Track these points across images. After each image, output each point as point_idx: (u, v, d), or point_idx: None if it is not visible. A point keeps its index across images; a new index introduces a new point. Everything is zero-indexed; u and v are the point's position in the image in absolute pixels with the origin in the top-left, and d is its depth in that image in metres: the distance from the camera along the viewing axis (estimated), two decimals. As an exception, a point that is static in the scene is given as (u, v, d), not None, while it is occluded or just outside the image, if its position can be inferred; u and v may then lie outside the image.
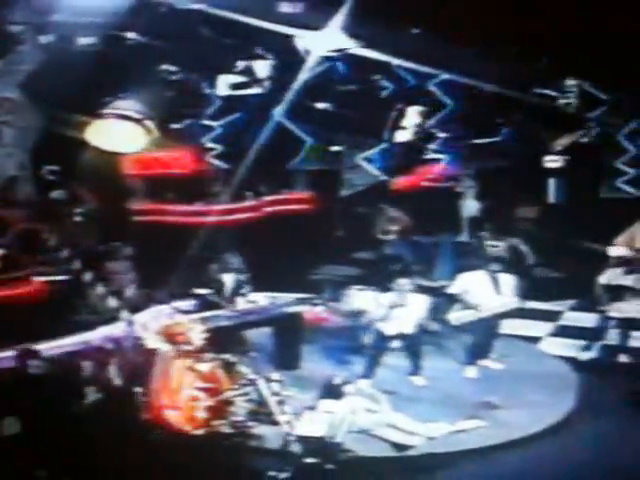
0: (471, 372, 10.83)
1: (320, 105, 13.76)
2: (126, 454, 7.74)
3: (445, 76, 13.24)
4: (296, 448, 7.72)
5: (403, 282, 10.34)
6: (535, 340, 12.32)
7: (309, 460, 7.48)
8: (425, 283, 12.17)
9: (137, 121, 12.12)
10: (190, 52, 12.38)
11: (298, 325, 11.15)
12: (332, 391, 8.40)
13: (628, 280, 10.95)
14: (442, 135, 14.05)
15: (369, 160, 14.72)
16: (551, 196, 14.76)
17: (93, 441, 7.91)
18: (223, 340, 9.77)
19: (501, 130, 14.01)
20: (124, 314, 10.24)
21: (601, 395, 10.16)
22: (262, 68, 13.31)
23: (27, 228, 12.30)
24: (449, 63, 12.74)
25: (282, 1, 11.73)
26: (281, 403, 8.87)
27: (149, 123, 12.15)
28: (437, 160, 14.44)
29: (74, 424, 8.32)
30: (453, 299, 10.96)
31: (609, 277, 11.12)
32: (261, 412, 8.79)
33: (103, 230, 12.99)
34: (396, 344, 10.50)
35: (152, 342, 9.38)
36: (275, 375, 9.21)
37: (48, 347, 9.37)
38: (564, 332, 12.56)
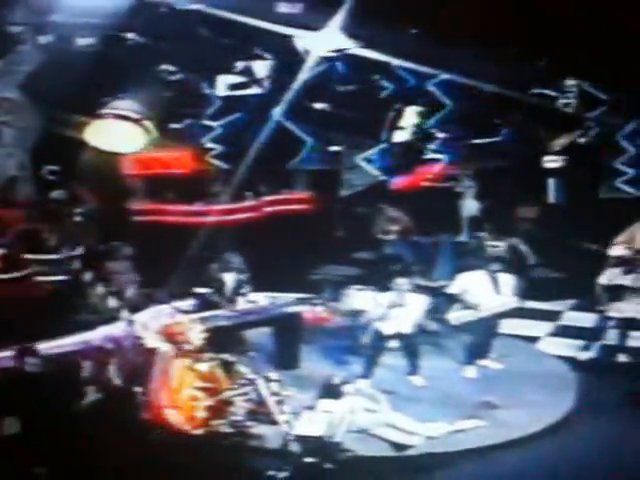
0: (470, 372, 10.84)
1: (319, 105, 13.78)
2: (126, 454, 7.74)
3: (444, 76, 13.23)
4: (295, 447, 7.73)
5: (401, 282, 10.34)
6: (534, 340, 12.32)
7: (308, 459, 7.49)
8: (425, 283, 12.20)
9: (136, 121, 12.15)
10: (189, 52, 12.40)
11: (297, 325, 11.16)
12: (331, 391, 8.40)
13: (627, 280, 10.96)
14: (441, 135, 14.05)
15: (368, 160, 14.71)
16: (551, 196, 14.75)
17: (93, 441, 7.91)
18: (222, 340, 9.79)
19: (500, 130, 14.01)
20: (124, 314, 10.25)
21: (600, 395, 10.15)
22: (261, 68, 13.33)
23: (27, 228, 12.32)
24: (448, 63, 12.75)
25: (281, 1, 11.74)
26: (280, 403, 8.89)
27: (148, 123, 12.18)
28: (436, 160, 14.45)
29: (74, 424, 8.32)
30: (452, 299, 10.96)
31: (608, 277, 11.12)
32: (260, 412, 8.81)
33: (103, 230, 13.00)
34: (394, 344, 10.51)
35: (152, 342, 9.39)
36: (274, 375, 9.24)
37: (48, 347, 9.38)
38: (563, 332, 12.55)
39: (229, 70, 13.37)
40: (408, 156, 14.35)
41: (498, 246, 12.88)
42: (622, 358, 11.05)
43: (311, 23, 11.82)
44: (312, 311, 12.11)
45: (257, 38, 12.26)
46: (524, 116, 13.62)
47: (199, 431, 8.46)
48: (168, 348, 9.02)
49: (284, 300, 11.43)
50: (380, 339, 10.39)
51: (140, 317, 10.23)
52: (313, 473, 7.45)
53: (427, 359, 10.86)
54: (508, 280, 10.98)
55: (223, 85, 13.59)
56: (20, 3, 11.47)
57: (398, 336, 10.39)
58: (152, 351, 9.18)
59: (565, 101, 13.43)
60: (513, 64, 12.49)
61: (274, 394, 8.96)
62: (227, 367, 9.01)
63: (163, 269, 11.87)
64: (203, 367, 8.86)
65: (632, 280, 10.92)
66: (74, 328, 10.02)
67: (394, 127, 13.74)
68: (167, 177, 14.24)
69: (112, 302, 11.31)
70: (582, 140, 13.87)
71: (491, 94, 13.10)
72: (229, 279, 11.31)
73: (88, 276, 11.72)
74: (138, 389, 8.87)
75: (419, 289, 11.32)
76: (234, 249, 11.79)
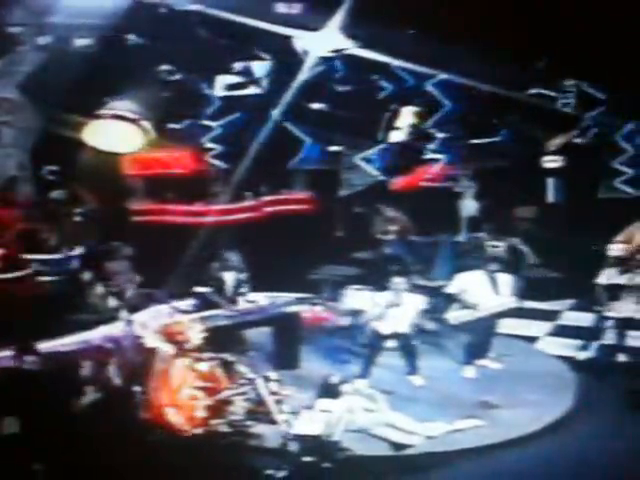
0: (469, 372, 10.85)
1: (318, 105, 13.79)
2: (125, 453, 7.75)
3: (443, 76, 13.24)
4: (293, 447, 7.74)
5: (398, 281, 10.36)
6: (533, 340, 12.33)
7: (306, 459, 7.50)
8: (424, 283, 12.22)
9: (133, 121, 12.16)
10: (188, 53, 12.41)
11: (296, 325, 11.18)
12: (329, 390, 8.42)
13: (623, 279, 10.97)
14: (440, 135, 14.06)
15: (368, 160, 14.73)
16: (550, 196, 14.77)
17: (92, 440, 7.92)
18: (222, 339, 9.81)
19: (500, 130, 14.02)
20: (123, 314, 10.26)
21: (599, 394, 10.17)
22: (260, 68, 13.34)
23: (27, 228, 12.33)
24: (447, 63, 12.76)
25: (280, 2, 11.75)
26: (279, 402, 8.90)
27: (145, 123, 12.20)
28: (435, 160, 14.46)
29: (73, 423, 8.34)
30: (451, 299, 10.97)
31: (606, 277, 11.13)
32: (259, 411, 8.82)
33: (103, 230, 13.01)
34: (391, 343, 10.53)
35: (151, 341, 9.40)
36: (273, 374, 9.25)
37: (48, 346, 9.40)
38: (562, 332, 12.57)
39: (228, 70, 13.38)
40: (407, 156, 14.37)
41: (498, 246, 12.89)
42: (621, 358, 11.05)
43: (310, 23, 11.84)
44: (311, 311, 12.14)
45: (256, 38, 12.28)
46: (521, 116, 13.64)
47: (198, 430, 8.47)
48: (168, 348, 9.03)
49: (283, 300, 11.44)
50: (377, 339, 10.42)
51: (139, 317, 10.24)
52: (311, 472, 7.46)
53: (426, 359, 10.88)
54: (507, 280, 10.98)
55: (222, 85, 13.60)
56: (19, 4, 11.48)
57: (395, 336, 10.42)
58: (151, 351, 9.20)
59: (564, 101, 13.45)
60: (512, 64, 12.50)
61: (273, 393, 8.97)
62: (226, 367, 9.03)
63: (163, 269, 11.88)
64: (202, 367, 8.88)
65: (629, 279, 10.93)
66: (74, 328, 10.03)
67: (390, 127, 13.75)
68: (167, 177, 14.25)
69: (112, 302, 11.32)
70: (579, 140, 13.88)
71: (490, 94, 13.11)
72: (229, 278, 11.32)
73: (88, 276, 11.72)
74: (137, 389, 8.89)
75: (418, 289, 11.36)
76: (233, 248, 11.79)
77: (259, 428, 8.70)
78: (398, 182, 14.68)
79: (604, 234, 12.14)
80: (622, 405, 9.79)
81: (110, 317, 10.49)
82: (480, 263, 11.26)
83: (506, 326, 11.50)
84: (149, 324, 9.89)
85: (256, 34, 11.97)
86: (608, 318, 11.05)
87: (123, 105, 12.12)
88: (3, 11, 11.43)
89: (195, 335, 9.09)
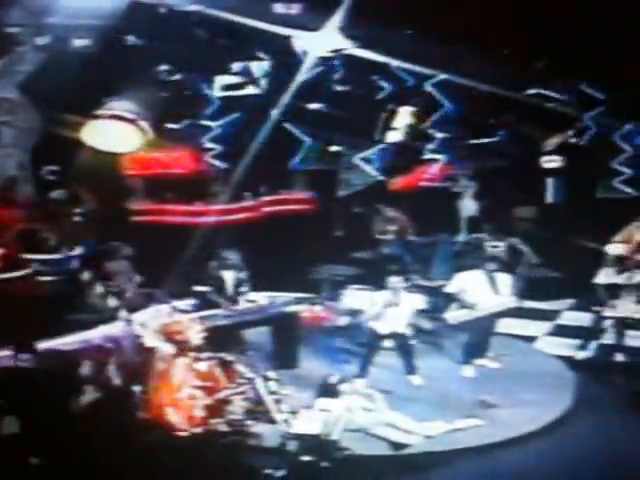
0: (468, 371, 10.87)
1: (318, 106, 13.80)
2: (124, 452, 7.75)
3: (442, 76, 13.25)
4: (292, 446, 7.75)
5: (395, 281, 10.37)
6: (532, 339, 12.35)
7: (305, 458, 7.50)
8: (423, 282, 12.24)
9: (131, 121, 12.18)
10: (187, 53, 12.42)
11: (296, 324, 11.19)
12: (328, 390, 8.42)
13: (621, 278, 10.98)
14: (440, 135, 14.07)
15: (367, 160, 14.75)
16: (549, 196, 14.79)
17: (92, 440, 7.93)
18: (221, 339, 9.82)
19: (499, 130, 14.04)
20: (123, 313, 10.27)
21: (597, 394, 10.19)
22: (259, 69, 13.35)
23: (27, 228, 12.32)
24: (446, 63, 12.77)
25: (279, 2, 11.76)
26: (278, 402, 8.92)
27: (144, 123, 12.22)
28: (435, 160, 14.48)
29: (73, 423, 8.35)
30: (450, 298, 10.99)
31: (604, 276, 11.15)
32: (258, 410, 8.83)
33: (102, 230, 13.02)
34: (389, 343, 10.54)
35: (151, 341, 9.41)
36: (272, 374, 9.26)
37: (47, 346, 9.41)
38: (561, 331, 12.59)
39: (227, 71, 13.39)
40: (406, 156, 14.38)
41: (498, 246, 12.91)
42: (619, 357, 11.07)
43: (309, 24, 11.85)
44: (310, 310, 12.15)
45: (255, 39, 12.29)
46: (519, 116, 13.65)
47: (197, 430, 8.47)
48: (167, 347, 9.05)
49: (282, 300, 11.44)
50: (375, 338, 10.43)
51: (139, 316, 10.24)
52: (310, 472, 7.46)
53: (425, 358, 10.91)
54: (506, 280, 11.00)
55: (221, 85, 13.61)
56: (18, 4, 11.49)
57: (393, 335, 10.43)
58: (151, 350, 9.21)
59: (563, 101, 13.48)
60: (511, 64, 12.52)
61: (272, 393, 8.98)
62: (226, 366, 9.04)
63: (162, 269, 11.89)
64: (202, 366, 8.89)
65: (627, 279, 10.94)
66: (73, 327, 10.02)
67: (388, 127, 13.76)
68: (166, 177, 14.26)
69: (111, 302, 11.31)
70: (578, 140, 13.90)
71: (489, 94, 13.12)
72: (228, 277, 11.34)
73: (87, 276, 11.73)
74: (137, 388, 8.90)
75: (417, 288, 11.39)
76: (232, 247, 11.79)
77: (258, 427, 8.70)
78: (397, 182, 14.71)
79: (603, 234, 12.16)
80: (621, 405, 9.80)
81: (110, 317, 10.48)
82: (479, 263, 11.27)
83: (505, 326, 11.52)
84: (149, 324, 9.89)
85: (255, 34, 11.98)
86: (607, 318, 11.08)
87: (121, 105, 12.14)
88: (2, 11, 11.44)
89: (194, 335, 9.10)
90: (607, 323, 11.14)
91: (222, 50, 12.56)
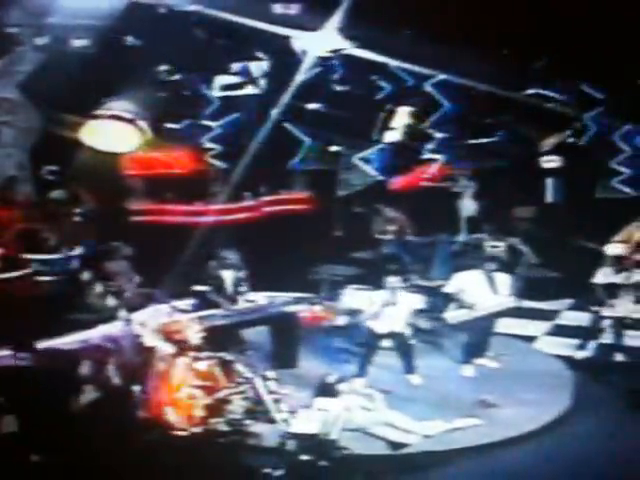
0: (468, 371, 10.87)
1: (317, 106, 13.81)
2: (124, 452, 7.76)
3: (442, 76, 13.26)
4: (291, 445, 7.76)
5: (393, 280, 10.38)
6: (531, 339, 12.35)
7: (303, 457, 7.51)
8: (422, 282, 12.24)
9: (130, 121, 12.20)
10: (186, 53, 12.44)
11: (295, 324, 11.19)
12: (326, 389, 8.43)
13: (619, 278, 10.99)
14: (439, 135, 14.08)
15: (366, 160, 14.76)
16: (548, 196, 14.80)
17: (91, 439, 7.93)
18: (220, 339, 9.83)
19: (498, 130, 14.05)
20: (123, 313, 10.28)
21: (597, 394, 10.19)
22: (259, 69, 13.36)
23: (26, 228, 12.34)
24: (445, 64, 12.78)
25: (278, 2, 11.78)
26: (277, 401, 8.93)
27: (142, 123, 12.24)
28: (434, 160, 14.49)
29: (72, 422, 8.36)
30: (449, 298, 10.99)
31: (602, 276, 11.16)
32: (258, 410, 8.84)
33: (102, 230, 13.03)
34: (388, 343, 10.55)
35: (150, 341, 9.42)
36: (271, 373, 9.27)
37: (46, 346, 9.42)
38: (560, 331, 12.59)
39: (226, 71, 13.41)
40: (405, 156, 14.39)
41: (498, 246, 12.91)
42: (618, 357, 11.07)
43: (308, 24, 11.86)
44: (310, 310, 12.15)
45: (254, 39, 12.30)
46: (517, 116, 13.66)
47: (197, 429, 8.49)
48: (166, 347, 9.06)
49: (282, 299, 11.45)
50: (373, 338, 10.44)
51: (139, 316, 10.25)
52: (309, 471, 7.47)
53: (424, 358, 10.90)
54: (505, 279, 11.01)
55: (221, 85, 13.63)
56: (17, 5, 11.50)
57: (391, 335, 10.44)
58: (150, 350, 9.22)
59: (562, 101, 13.49)
60: (510, 64, 12.53)
61: (271, 392, 9.00)
62: (225, 366, 9.05)
63: (162, 269, 11.89)
64: (201, 366, 8.90)
65: (625, 278, 10.95)
66: (73, 327, 10.03)
67: (386, 127, 13.76)
68: (166, 177, 14.27)
69: (111, 301, 11.32)
70: (577, 140, 13.91)
71: (488, 94, 13.13)
72: (227, 276, 11.34)
73: (87, 276, 11.74)
74: (136, 388, 8.91)
75: (416, 288, 11.39)
76: (231, 246, 11.79)
77: (257, 427, 8.71)
78: (397, 182, 14.72)
79: (602, 234, 12.17)
80: (620, 404, 9.80)
81: (109, 316, 10.49)
82: (478, 263, 11.27)
83: (504, 325, 11.51)
84: (148, 323, 9.89)
85: (254, 34, 11.99)
86: (605, 317, 11.08)
87: (120, 105, 12.16)
88: (2, 12, 11.45)
89: (194, 334, 9.12)
90: (606, 323, 11.14)
91: (221, 50, 12.59)
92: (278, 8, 11.79)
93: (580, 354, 11.43)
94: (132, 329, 9.76)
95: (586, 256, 12.29)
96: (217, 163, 14.37)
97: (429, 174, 14.61)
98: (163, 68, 12.79)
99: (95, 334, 9.86)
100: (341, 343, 11.41)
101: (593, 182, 14.21)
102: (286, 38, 12.11)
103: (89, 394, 8.96)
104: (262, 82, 13.44)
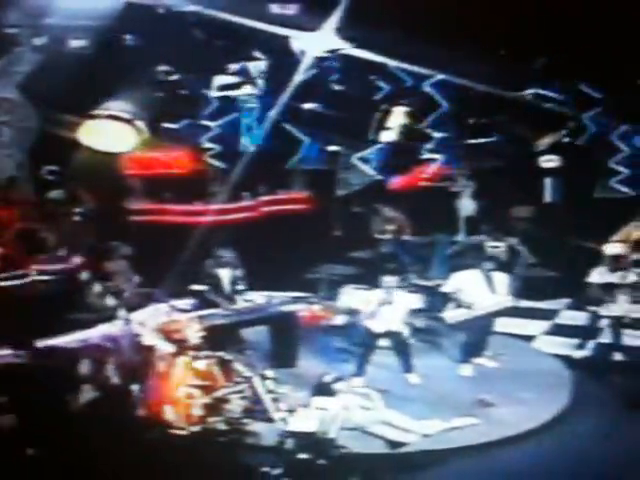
0: (466, 370, 10.88)
1: (316, 106, 13.82)
2: (123, 451, 7.77)
3: (440, 76, 13.27)
4: (289, 444, 7.77)
5: (390, 279, 10.39)
6: (530, 338, 12.37)
7: (301, 456, 7.52)
8: (421, 282, 12.25)
9: (127, 121, 12.22)
10: (185, 54, 12.45)
11: (294, 324, 11.20)
12: (324, 388, 8.44)
13: (615, 277, 11.01)
14: (437, 135, 14.09)
15: (365, 160, 14.77)
16: (547, 195, 14.81)
17: (90, 438, 7.94)
18: (219, 338, 9.84)
19: (496, 130, 14.06)
20: (122, 312, 10.29)
21: (595, 393, 10.20)
22: (257, 69, 13.37)
23: (26, 228, 12.36)
24: (443, 64, 12.79)
25: (277, 3, 11.79)
26: (276, 400, 8.94)
27: (140, 123, 12.26)
28: (432, 160, 14.50)
29: (71, 421, 8.37)
30: (448, 298, 11.00)
31: (598, 275, 11.17)
32: (256, 409, 8.86)
33: (101, 230, 13.04)
34: (385, 342, 10.56)
35: (149, 340, 9.43)
36: (270, 373, 9.29)
37: (46, 345, 9.43)
38: (559, 330, 12.61)
39: (225, 71, 13.42)
40: (404, 156, 14.40)
41: (498, 247, 12.92)
42: (617, 356, 11.09)
43: (306, 24, 11.87)
44: (309, 310, 12.16)
45: (252, 39, 12.32)
46: (514, 116, 13.68)
47: (195, 428, 8.50)
48: (165, 346, 9.08)
49: (281, 299, 11.47)
50: (370, 337, 10.46)
51: (138, 316, 10.27)
52: (306, 469, 7.48)
53: (422, 357, 10.93)
54: (503, 279, 11.02)
55: (219, 86, 13.64)
56: (16, 5, 11.52)
57: (388, 334, 10.45)
58: (150, 349, 9.24)
59: (560, 101, 13.51)
60: (508, 64, 12.55)
61: (270, 392, 9.02)
62: (224, 365, 9.06)
63: (161, 268, 11.91)
64: (200, 365, 8.92)
65: (621, 277, 10.97)
66: (72, 326, 10.05)
67: (382, 127, 13.77)
68: (165, 177, 14.29)
69: (110, 301, 11.33)
70: (569, 139, 13.92)
71: (486, 94, 13.14)
72: (225, 275, 11.35)
73: (86, 275, 11.76)
74: (135, 387, 8.93)
75: (415, 288, 11.41)
76: (227, 245, 11.80)
77: (256, 426, 8.73)
78: (396, 182, 14.73)
79: (600, 233, 12.19)
80: (618, 404, 9.81)
81: (108, 316, 10.50)
82: (477, 262, 11.28)
83: (503, 325, 11.52)
84: (147, 323, 9.91)
85: (252, 35, 12.01)
86: (603, 317, 11.10)
87: (118, 105, 12.18)
88: (0, 13, 11.47)
89: (193, 334, 9.13)
90: (603, 322, 11.15)
91: (219, 50, 12.59)
92: (276, 8, 11.80)
93: (578, 353, 11.44)
94: (131, 328, 9.78)
95: (584, 255, 12.30)
96: (216, 163, 14.38)
97: (428, 174, 14.63)
98: (161, 68, 12.80)
99: (94, 333, 9.87)
100: (340, 342, 11.43)
101: (592, 182, 14.23)
102: (284, 38, 12.13)
103: (88, 393, 8.98)
104: (261, 82, 13.45)
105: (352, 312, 11.11)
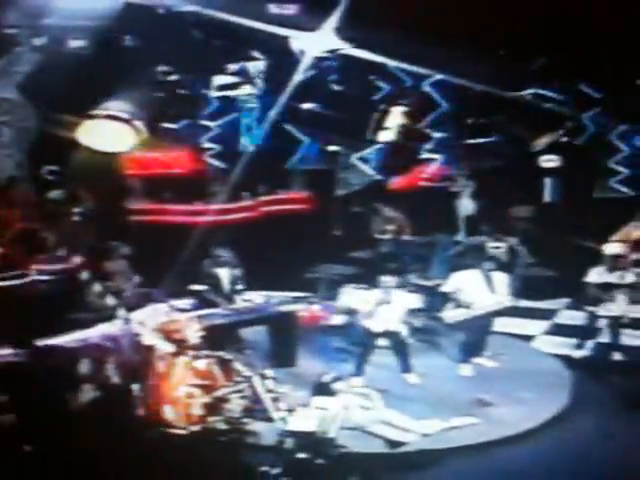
0: (465, 370, 10.89)
1: (315, 105, 13.84)
2: (123, 451, 7.78)
3: (439, 76, 13.28)
4: (288, 443, 7.78)
5: (388, 279, 10.39)
6: (529, 338, 12.37)
7: (300, 455, 7.53)
8: (420, 282, 12.26)
9: (126, 121, 12.23)
10: (184, 54, 12.46)
11: (293, 323, 11.21)
12: (323, 388, 8.45)
13: (613, 277, 11.01)
14: (437, 135, 14.11)
15: (364, 160, 14.79)
16: (546, 195, 14.82)
17: (90, 438, 7.95)
18: (219, 338, 9.85)
19: (495, 130, 14.07)
20: (122, 312, 10.30)
21: (594, 392, 10.20)
22: (257, 69, 13.38)
23: (26, 227, 12.37)
24: (443, 64, 12.80)
25: (276, 3, 11.80)
26: (276, 400, 8.95)
27: (138, 123, 12.27)
28: (432, 160, 14.51)
29: (71, 421, 8.38)
30: (447, 297, 11.01)
31: (596, 275, 11.18)
32: (256, 409, 8.87)
33: (101, 229, 13.05)
34: (384, 342, 10.57)
35: (149, 340, 9.44)
36: (270, 372, 9.29)
37: (46, 344, 9.44)
38: (558, 330, 12.61)
39: (224, 71, 13.43)
40: (404, 156, 14.41)
41: (499, 247, 12.93)
42: (616, 356, 11.09)
43: (306, 24, 11.88)
44: (308, 309, 12.17)
45: (252, 39, 12.33)
46: (515, 116, 13.69)
47: (195, 428, 8.51)
48: (165, 346, 9.09)
49: (280, 299, 11.48)
50: (369, 336, 10.47)
51: (138, 315, 10.27)
52: (306, 469, 7.48)
53: (422, 357, 10.93)
54: (502, 279, 11.02)
55: (218, 86, 13.65)
56: (15, 6, 11.53)
57: (387, 334, 10.46)
58: (149, 349, 9.24)
59: (559, 101, 13.52)
60: (507, 64, 12.56)
61: (269, 391, 9.02)
62: (223, 364, 9.06)
63: (161, 268, 11.92)
64: (200, 364, 8.92)
65: (619, 277, 10.97)
66: (72, 326, 10.05)
67: (380, 127, 13.78)
68: (165, 177, 14.30)
69: (110, 301, 11.35)
70: (567, 139, 13.93)
71: (485, 94, 13.15)
72: (224, 274, 11.36)
73: (86, 275, 11.77)
74: (135, 386, 8.93)
75: (414, 287, 11.42)
76: (226, 245, 11.81)
77: (255, 425, 8.73)
78: (396, 182, 14.75)
79: (600, 233, 12.19)
80: (617, 403, 9.80)
81: (108, 316, 10.51)
82: (476, 262, 11.29)
83: (502, 324, 11.53)
84: (147, 322, 9.92)
85: (252, 35, 12.02)
86: (601, 317, 11.10)
87: (117, 105, 12.20)
88: (0, 12, 11.49)
89: (192, 333, 9.14)
90: (602, 322, 11.16)
91: (219, 50, 12.60)
92: (275, 8, 11.81)
93: (578, 353, 11.44)
94: (131, 328, 9.78)
95: (584, 255, 12.30)
96: (216, 163, 14.40)
97: (427, 174, 14.65)
98: (160, 69, 12.81)
99: (94, 333, 9.88)
100: (339, 342, 11.44)
101: (591, 182, 14.24)
102: (284, 38, 12.13)
103: (88, 393, 8.99)
104: (260, 82, 13.46)
105: (351, 312, 11.12)
